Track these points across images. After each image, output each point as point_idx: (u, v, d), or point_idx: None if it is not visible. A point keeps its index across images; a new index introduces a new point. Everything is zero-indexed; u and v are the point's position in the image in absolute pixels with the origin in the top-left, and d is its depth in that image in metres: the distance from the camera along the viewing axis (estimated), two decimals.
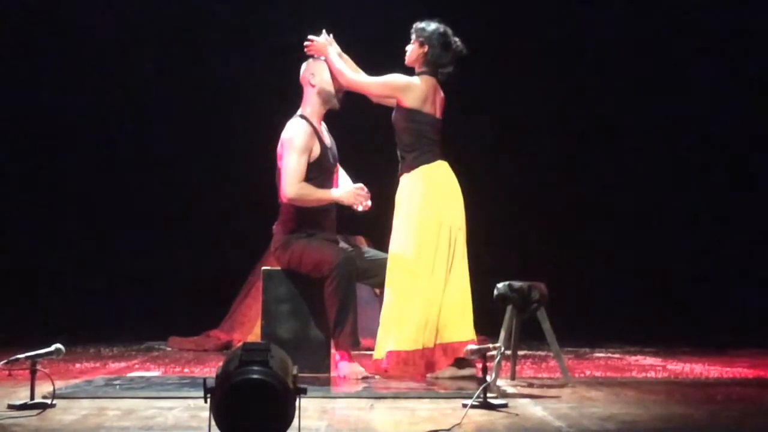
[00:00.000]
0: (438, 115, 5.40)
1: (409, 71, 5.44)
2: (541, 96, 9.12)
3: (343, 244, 5.46)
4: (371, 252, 5.58)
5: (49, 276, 9.07)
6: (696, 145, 9.29)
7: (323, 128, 5.54)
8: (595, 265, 9.14)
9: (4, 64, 8.97)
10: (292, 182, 5.29)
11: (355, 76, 5.45)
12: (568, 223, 9.10)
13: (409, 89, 5.33)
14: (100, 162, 9.24)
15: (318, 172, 5.40)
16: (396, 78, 5.38)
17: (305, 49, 5.49)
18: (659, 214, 9.41)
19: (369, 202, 5.37)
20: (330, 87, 5.47)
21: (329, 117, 5.58)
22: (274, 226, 5.52)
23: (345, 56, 5.53)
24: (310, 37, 5.48)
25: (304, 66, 5.53)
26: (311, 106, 5.49)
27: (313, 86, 5.48)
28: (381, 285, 5.44)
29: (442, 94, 5.44)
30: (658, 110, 9.32)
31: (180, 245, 9.21)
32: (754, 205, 9.14)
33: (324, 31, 5.50)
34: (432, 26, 5.38)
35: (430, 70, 5.39)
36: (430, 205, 5.26)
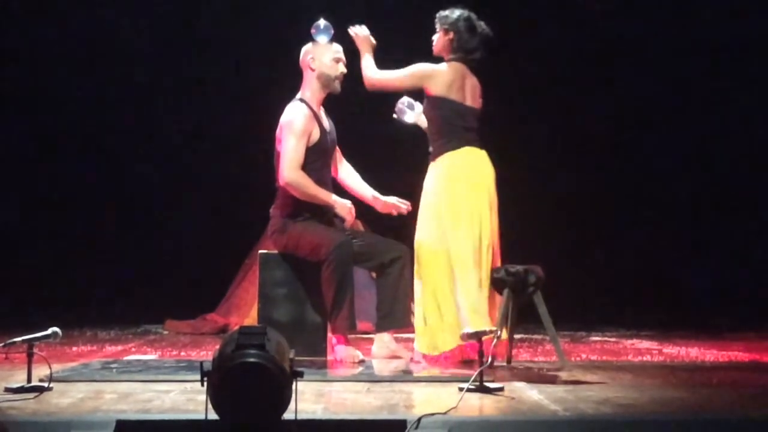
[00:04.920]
0: (469, 101, 5.28)
1: (439, 61, 5.35)
2: (544, 89, 9.11)
3: (339, 226, 5.45)
4: (368, 235, 5.58)
5: (46, 260, 9.06)
6: (695, 132, 9.28)
7: (322, 112, 5.53)
8: (591, 248, 9.15)
9: (3, 56, 8.97)
10: (290, 166, 5.28)
11: (378, 74, 5.35)
12: (565, 207, 9.10)
13: (433, 76, 5.24)
14: (98, 148, 9.21)
15: (317, 156, 5.39)
16: (419, 66, 5.29)
17: (349, 30, 5.45)
18: (656, 198, 9.41)
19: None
20: (330, 71, 5.45)
21: (329, 101, 5.56)
22: (271, 210, 5.51)
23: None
24: (355, 28, 5.45)
25: (303, 50, 5.51)
26: (311, 89, 5.47)
27: (312, 70, 5.46)
28: (378, 268, 5.43)
29: (474, 80, 5.33)
30: (659, 100, 9.33)
31: (177, 229, 9.20)
32: (752, 189, 9.16)
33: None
34: (456, 13, 5.32)
35: (458, 57, 5.31)
36: (453, 192, 5.14)
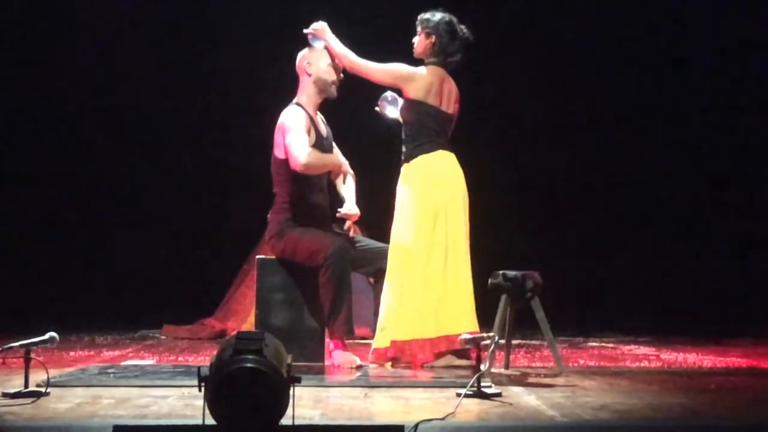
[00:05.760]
0: (444, 106, 5.30)
1: (419, 63, 5.38)
2: (542, 86, 9.10)
3: (337, 232, 5.45)
4: (365, 241, 5.57)
5: (44, 264, 9.05)
6: (694, 137, 9.28)
7: (319, 117, 5.53)
8: (589, 254, 9.14)
9: (4, 54, 8.98)
10: (301, 150, 5.25)
11: (358, 59, 5.38)
12: (563, 213, 9.10)
13: (412, 79, 5.27)
14: (98, 152, 9.20)
15: None
16: (400, 67, 5.32)
17: (305, 30, 5.45)
18: (654, 204, 9.40)
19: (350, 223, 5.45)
20: (326, 76, 5.45)
21: (326, 106, 5.56)
22: (268, 215, 5.51)
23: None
24: (308, 29, 5.46)
25: (300, 55, 5.51)
26: (307, 94, 5.47)
27: (309, 75, 5.46)
28: (375, 274, 5.44)
29: (452, 85, 5.36)
30: (659, 102, 9.33)
31: (174, 233, 9.20)
32: (748, 195, 9.16)
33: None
34: (437, 16, 5.34)
35: (438, 61, 5.33)
36: (425, 194, 5.21)
